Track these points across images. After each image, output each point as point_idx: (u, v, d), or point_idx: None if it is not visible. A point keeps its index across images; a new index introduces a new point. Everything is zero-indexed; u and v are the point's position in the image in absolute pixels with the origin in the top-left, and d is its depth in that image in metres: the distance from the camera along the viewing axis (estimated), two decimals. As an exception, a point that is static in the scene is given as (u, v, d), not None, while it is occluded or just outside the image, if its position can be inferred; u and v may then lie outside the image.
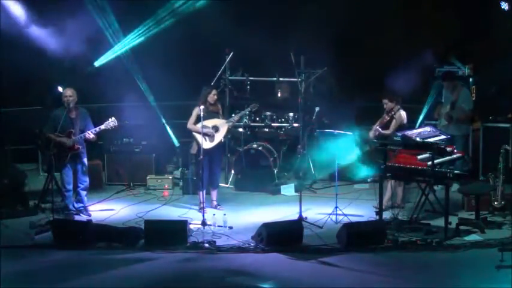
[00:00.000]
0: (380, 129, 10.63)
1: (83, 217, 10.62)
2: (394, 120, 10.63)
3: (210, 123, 10.77)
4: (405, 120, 10.71)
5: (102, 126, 10.68)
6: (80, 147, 10.66)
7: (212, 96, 10.78)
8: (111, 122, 10.70)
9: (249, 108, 11.44)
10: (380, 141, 10.19)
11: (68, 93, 10.63)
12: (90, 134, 10.62)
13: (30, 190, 11.37)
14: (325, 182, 12.57)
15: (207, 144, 10.72)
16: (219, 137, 10.84)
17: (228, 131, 11.21)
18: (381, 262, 8.88)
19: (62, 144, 10.57)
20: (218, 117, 10.91)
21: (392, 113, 10.63)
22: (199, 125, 10.52)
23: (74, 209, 10.75)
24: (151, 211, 10.92)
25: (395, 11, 13.62)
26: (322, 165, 11.72)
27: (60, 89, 11.52)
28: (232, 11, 13.47)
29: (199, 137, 10.60)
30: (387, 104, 10.69)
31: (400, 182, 10.60)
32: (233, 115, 11.35)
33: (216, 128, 10.81)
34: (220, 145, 11.00)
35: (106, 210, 11.01)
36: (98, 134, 10.80)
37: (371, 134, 10.70)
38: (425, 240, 9.38)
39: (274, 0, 13.95)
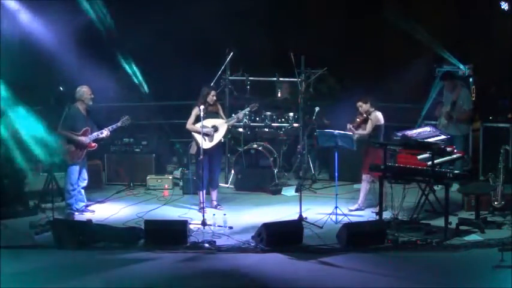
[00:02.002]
0: (353, 128, 10.62)
1: (85, 215, 10.60)
2: (369, 121, 10.62)
3: (209, 123, 10.77)
4: (381, 121, 10.65)
5: (119, 124, 10.80)
6: (96, 145, 10.76)
7: (211, 97, 10.78)
8: (126, 119, 10.81)
9: (248, 108, 11.43)
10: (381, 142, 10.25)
11: (90, 91, 10.67)
12: (108, 132, 10.73)
13: (30, 190, 11.37)
14: (325, 182, 12.59)
15: (206, 144, 10.72)
16: (218, 136, 10.84)
17: (228, 130, 11.22)
18: (381, 262, 8.89)
19: (81, 143, 10.62)
20: (217, 117, 10.91)
21: (368, 114, 10.63)
22: (198, 125, 10.54)
23: (75, 209, 10.74)
24: (151, 211, 10.92)
25: (396, 11, 13.62)
26: None
27: (61, 88, 11.51)
28: (232, 10, 13.46)
29: (198, 137, 10.60)
30: (362, 106, 10.68)
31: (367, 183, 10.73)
32: (233, 115, 11.36)
33: (215, 128, 10.81)
34: (219, 145, 11.00)
35: (116, 203, 11.08)
36: (113, 132, 10.87)
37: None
38: (425, 240, 9.38)
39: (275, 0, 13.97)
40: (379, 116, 10.67)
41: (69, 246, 9.30)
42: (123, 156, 12.68)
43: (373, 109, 10.69)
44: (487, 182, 10.80)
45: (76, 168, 10.71)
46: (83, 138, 10.62)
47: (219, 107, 11.06)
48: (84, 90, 10.67)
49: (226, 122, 10.94)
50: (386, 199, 10.21)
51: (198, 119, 10.60)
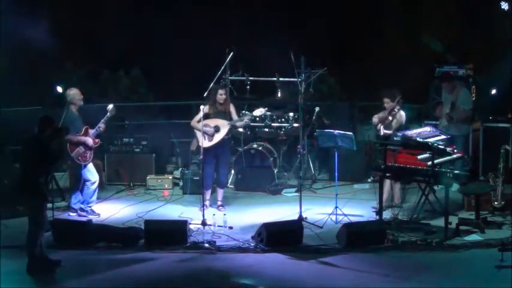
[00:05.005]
0: (383, 129, 10.60)
1: (90, 217, 10.59)
2: (395, 120, 10.62)
3: (213, 122, 10.76)
4: (404, 121, 10.71)
5: (108, 114, 10.80)
6: (99, 140, 10.84)
7: (219, 96, 10.74)
8: (112, 109, 10.79)
9: (254, 113, 11.33)
10: (381, 141, 10.23)
11: (79, 92, 10.72)
12: (103, 125, 10.78)
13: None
14: (325, 182, 12.59)
15: (205, 143, 10.72)
16: (218, 137, 10.81)
17: (229, 130, 11.20)
18: (381, 262, 8.89)
19: (87, 142, 10.67)
20: (225, 118, 10.84)
21: (394, 112, 10.61)
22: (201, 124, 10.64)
23: (83, 209, 10.76)
24: (151, 211, 10.93)
25: (396, 11, 13.64)
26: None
27: (59, 89, 11.52)
28: (233, 10, 13.48)
29: (199, 135, 10.66)
30: (388, 103, 10.67)
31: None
32: (242, 116, 11.28)
33: (217, 128, 10.79)
34: (224, 145, 10.91)
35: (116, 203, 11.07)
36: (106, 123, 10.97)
37: (375, 120, 10.68)
38: (425, 240, 9.38)
39: (275, 0, 13.98)
40: (404, 116, 10.65)
41: (69, 246, 9.30)
42: (123, 156, 12.69)
43: (399, 108, 10.64)
44: (487, 182, 10.80)
45: (88, 167, 10.76)
46: (87, 137, 10.66)
47: (232, 107, 10.96)
48: (74, 93, 10.71)
49: (229, 123, 10.89)
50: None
51: (205, 117, 10.66)
